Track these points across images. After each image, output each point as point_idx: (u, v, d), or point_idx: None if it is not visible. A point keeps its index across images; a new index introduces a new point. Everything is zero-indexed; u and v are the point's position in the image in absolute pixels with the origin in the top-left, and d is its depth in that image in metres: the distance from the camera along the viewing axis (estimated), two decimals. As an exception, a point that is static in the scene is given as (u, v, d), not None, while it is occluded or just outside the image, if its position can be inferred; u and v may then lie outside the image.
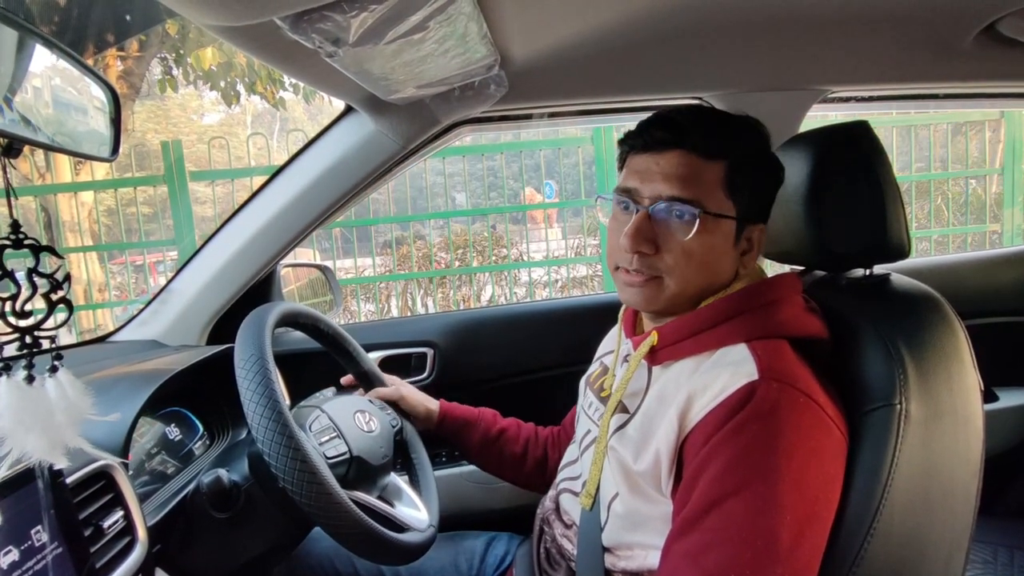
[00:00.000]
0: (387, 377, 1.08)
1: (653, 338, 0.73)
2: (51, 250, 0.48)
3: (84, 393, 0.49)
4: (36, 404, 0.45)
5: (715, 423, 0.62)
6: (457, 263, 4.31)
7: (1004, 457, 1.46)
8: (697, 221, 0.67)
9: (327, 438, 0.81)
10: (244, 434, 1.03)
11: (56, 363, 0.48)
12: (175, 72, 4.72)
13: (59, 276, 0.47)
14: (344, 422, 0.85)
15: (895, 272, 0.79)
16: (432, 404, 1.05)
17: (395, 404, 1.02)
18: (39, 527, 0.54)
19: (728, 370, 0.65)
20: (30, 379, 0.46)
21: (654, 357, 0.74)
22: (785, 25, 1.00)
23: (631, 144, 0.73)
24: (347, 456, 0.82)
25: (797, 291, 0.74)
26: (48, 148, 0.58)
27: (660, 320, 0.77)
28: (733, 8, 0.93)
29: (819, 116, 1.39)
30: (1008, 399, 1.50)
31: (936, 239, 4.33)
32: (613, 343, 0.91)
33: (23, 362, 0.46)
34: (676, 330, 0.72)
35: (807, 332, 0.70)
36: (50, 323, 0.47)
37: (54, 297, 0.47)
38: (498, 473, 1.07)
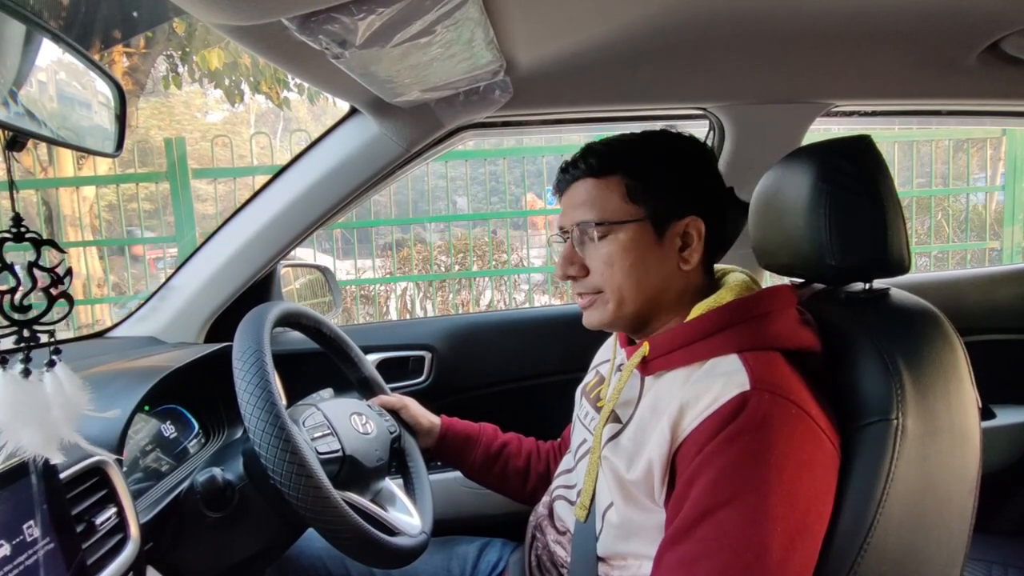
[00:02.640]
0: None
1: (645, 348, 0.74)
2: (53, 244, 0.48)
3: (81, 388, 0.49)
4: (32, 398, 0.45)
5: (707, 433, 0.62)
6: (457, 267, 4.31)
7: (999, 475, 1.46)
8: (595, 233, 0.75)
9: (320, 434, 0.81)
10: (239, 433, 1.03)
11: (54, 357, 0.48)
12: (180, 70, 4.74)
13: (60, 271, 0.47)
14: (339, 421, 0.85)
15: (895, 287, 0.79)
16: (434, 419, 1.05)
17: (396, 414, 1.01)
18: (31, 522, 0.54)
19: (720, 380, 0.65)
20: (27, 372, 0.46)
21: (646, 367, 0.74)
22: (790, 39, 1.00)
23: (556, 193, 0.82)
24: (339, 454, 0.81)
25: (791, 303, 0.74)
26: (52, 142, 0.58)
27: (651, 331, 0.78)
28: (739, 21, 0.93)
29: (821, 130, 1.40)
30: (1005, 417, 1.50)
31: (936, 255, 4.34)
32: (609, 352, 0.91)
33: (20, 355, 0.46)
34: (668, 340, 0.73)
35: (800, 344, 0.70)
36: (49, 317, 0.46)
37: (55, 292, 0.47)
38: (500, 489, 1.06)
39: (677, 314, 0.77)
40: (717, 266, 0.83)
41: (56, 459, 0.48)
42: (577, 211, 0.77)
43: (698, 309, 0.74)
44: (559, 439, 1.07)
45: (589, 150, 0.78)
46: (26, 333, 0.45)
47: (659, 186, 0.75)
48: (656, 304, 0.77)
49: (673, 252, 0.75)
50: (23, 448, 0.45)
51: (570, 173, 0.79)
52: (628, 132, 0.80)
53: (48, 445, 0.46)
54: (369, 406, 0.95)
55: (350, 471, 0.82)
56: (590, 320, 0.79)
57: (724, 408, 0.62)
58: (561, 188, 0.81)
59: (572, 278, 0.79)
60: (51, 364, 0.47)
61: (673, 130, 0.81)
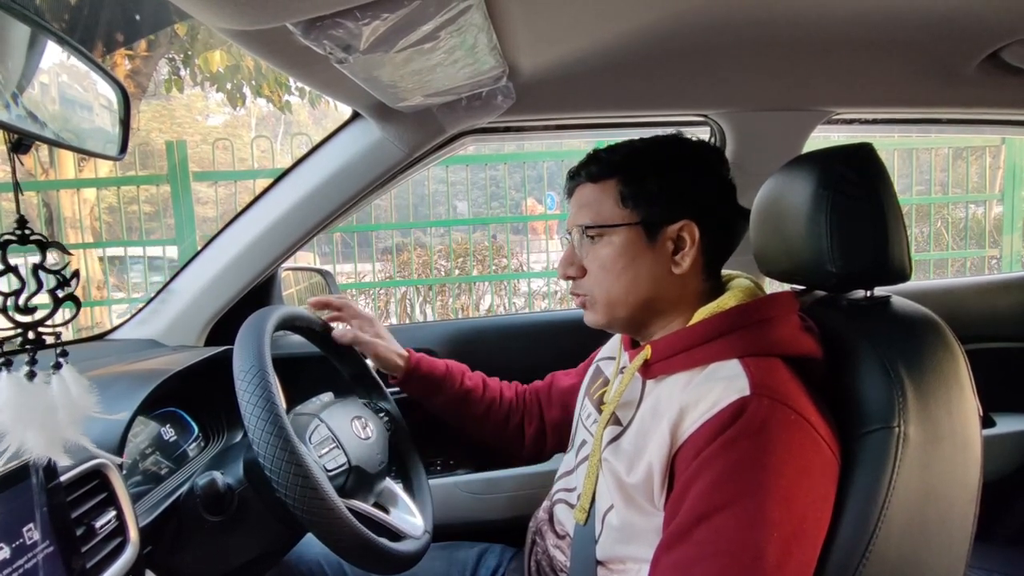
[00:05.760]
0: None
1: (647, 351, 0.74)
2: (59, 246, 0.48)
3: (87, 390, 0.48)
4: (37, 400, 0.45)
5: (706, 437, 0.63)
6: (457, 271, 4.31)
7: (1000, 484, 1.46)
8: (587, 236, 0.78)
9: (327, 450, 0.81)
10: (239, 437, 1.03)
11: (60, 360, 0.48)
12: (182, 73, 4.75)
13: (67, 273, 0.47)
14: (342, 431, 0.85)
15: (896, 295, 0.79)
16: (402, 353, 1.03)
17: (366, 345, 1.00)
18: (31, 525, 0.54)
19: (720, 384, 0.65)
20: (31, 375, 0.45)
21: (648, 370, 0.75)
22: (792, 47, 1.01)
23: (566, 197, 0.85)
24: (346, 467, 0.82)
25: (793, 310, 0.74)
26: (55, 144, 0.58)
27: (652, 334, 0.79)
28: (741, 28, 0.93)
29: (821, 137, 1.40)
30: (1005, 425, 1.50)
31: (935, 263, 4.35)
32: (612, 350, 0.91)
33: (25, 357, 0.46)
34: (670, 344, 0.73)
35: (801, 351, 0.70)
36: (56, 319, 0.46)
37: (61, 294, 0.47)
38: (477, 432, 1.07)
39: (679, 318, 0.77)
40: (724, 272, 0.83)
41: (62, 461, 0.48)
42: (578, 215, 0.80)
43: (701, 313, 0.74)
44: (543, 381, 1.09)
45: (591, 156, 0.80)
46: (31, 335, 0.45)
47: (651, 191, 0.76)
48: (651, 308, 0.78)
49: (665, 256, 0.76)
50: (27, 450, 0.45)
51: (572, 178, 0.83)
52: (638, 138, 0.82)
53: (52, 447, 0.46)
54: (365, 405, 0.95)
55: (356, 480, 0.83)
56: (587, 320, 0.82)
57: (723, 412, 0.63)
58: (568, 192, 0.84)
59: (571, 278, 0.82)
60: (57, 366, 0.47)
61: (686, 135, 0.82)
